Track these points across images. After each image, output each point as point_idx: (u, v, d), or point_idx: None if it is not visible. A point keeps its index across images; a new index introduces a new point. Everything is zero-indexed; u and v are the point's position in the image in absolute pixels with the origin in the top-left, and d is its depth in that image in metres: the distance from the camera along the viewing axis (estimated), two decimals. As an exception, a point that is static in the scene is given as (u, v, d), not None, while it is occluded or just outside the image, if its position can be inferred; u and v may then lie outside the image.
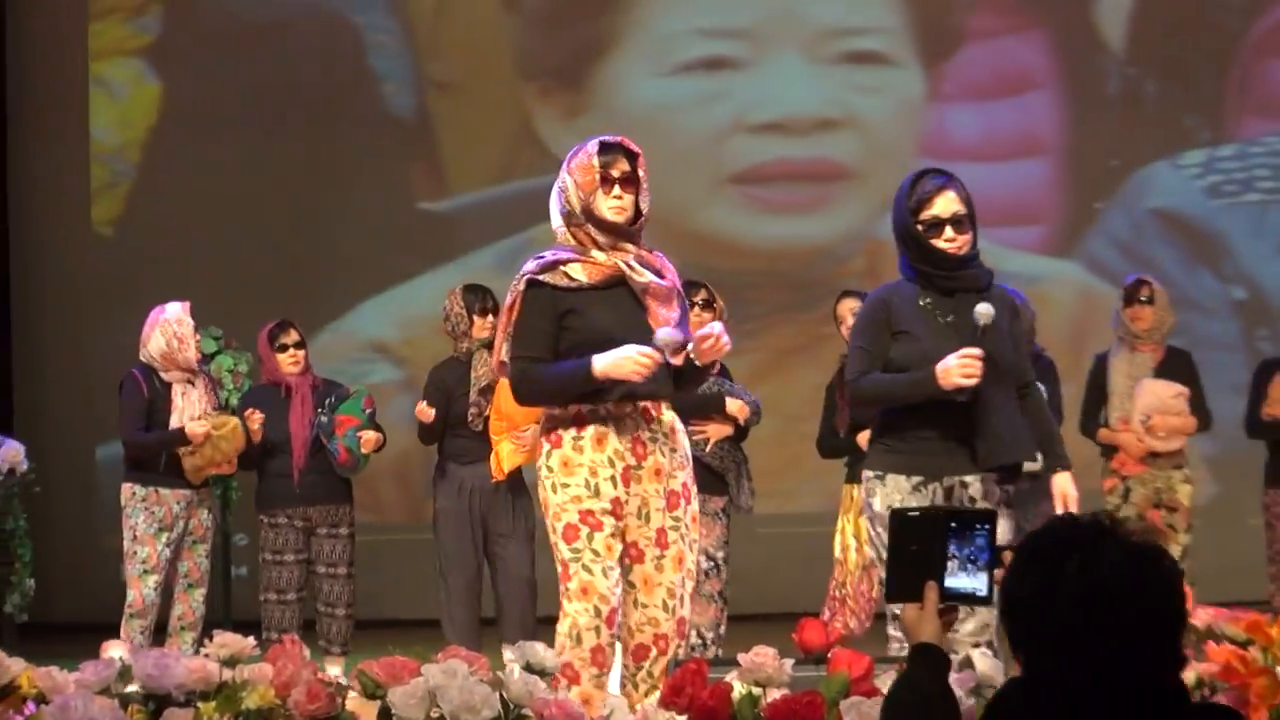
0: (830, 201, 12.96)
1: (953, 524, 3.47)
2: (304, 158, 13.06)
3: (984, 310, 5.77)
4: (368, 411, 8.90)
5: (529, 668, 5.26)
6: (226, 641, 5.41)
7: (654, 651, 5.75)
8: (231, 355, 11.37)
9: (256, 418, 8.79)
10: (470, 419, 8.57)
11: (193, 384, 8.71)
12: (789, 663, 5.39)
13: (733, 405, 8.46)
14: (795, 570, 10.75)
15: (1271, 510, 9.63)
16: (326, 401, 8.92)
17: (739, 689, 5.25)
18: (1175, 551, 9.35)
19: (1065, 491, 6.05)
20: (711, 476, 8.44)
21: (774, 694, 5.21)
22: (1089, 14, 13.28)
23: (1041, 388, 8.78)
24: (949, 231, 5.86)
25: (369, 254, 12.95)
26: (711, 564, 8.49)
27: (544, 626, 5.98)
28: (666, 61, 13.22)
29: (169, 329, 8.65)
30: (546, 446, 5.78)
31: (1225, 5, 13.44)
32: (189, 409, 8.61)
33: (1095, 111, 13.23)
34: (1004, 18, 13.28)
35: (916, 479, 5.92)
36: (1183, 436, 9.37)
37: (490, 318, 8.62)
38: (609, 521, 5.68)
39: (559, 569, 5.77)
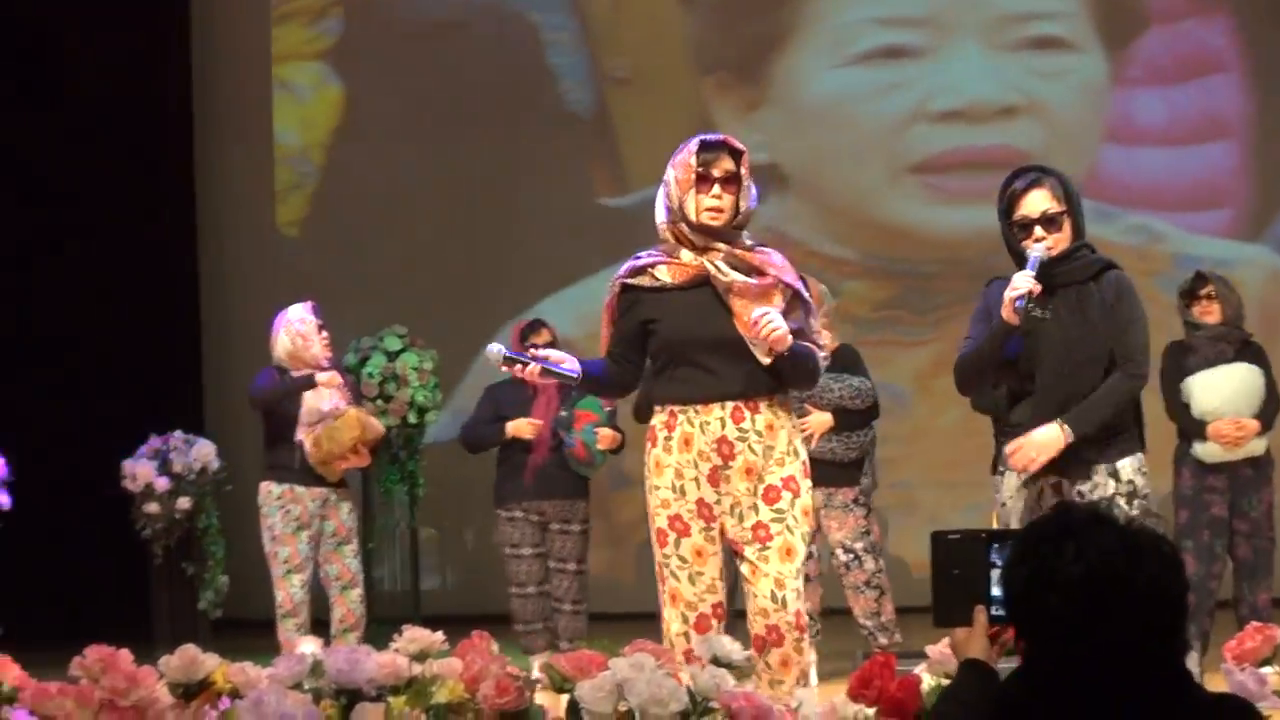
0: (1013, 189, 12.84)
1: (994, 544, 3.41)
2: (483, 156, 13.15)
3: (1036, 249, 5.73)
4: (607, 409, 8.94)
5: (716, 661, 5.27)
6: (416, 636, 5.46)
7: (768, 643, 5.70)
8: (417, 353, 11.45)
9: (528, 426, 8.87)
10: None
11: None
12: (977, 654, 5.35)
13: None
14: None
15: None
16: (570, 397, 8.97)
17: (928, 681, 5.23)
18: None
19: (1037, 440, 5.72)
20: (836, 469, 8.44)
21: (963, 685, 5.18)
22: (1274, -7, 13.10)
23: (1254, 368, 8.74)
24: (1039, 230, 5.77)
25: (549, 250, 13.01)
26: (851, 555, 8.51)
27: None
28: (844, 52, 13.16)
29: (292, 329, 8.75)
30: (648, 446, 5.83)
31: None
32: (319, 404, 8.69)
33: (1283, 93, 13.03)
34: (1187, 0, 13.11)
35: (1024, 474, 5.88)
36: None
37: None
38: (697, 525, 5.72)
39: (656, 570, 5.83)
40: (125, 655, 5.37)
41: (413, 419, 11.44)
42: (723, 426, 5.68)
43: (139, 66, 12.86)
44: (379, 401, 11.09)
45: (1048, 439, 5.70)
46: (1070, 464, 5.78)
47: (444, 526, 12.86)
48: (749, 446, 5.69)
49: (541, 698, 5.24)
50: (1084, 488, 5.78)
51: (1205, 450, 8.71)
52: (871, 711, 5.05)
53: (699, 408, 5.69)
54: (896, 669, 5.26)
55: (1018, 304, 5.63)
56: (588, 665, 5.16)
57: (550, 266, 13.03)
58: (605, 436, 8.90)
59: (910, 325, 11.84)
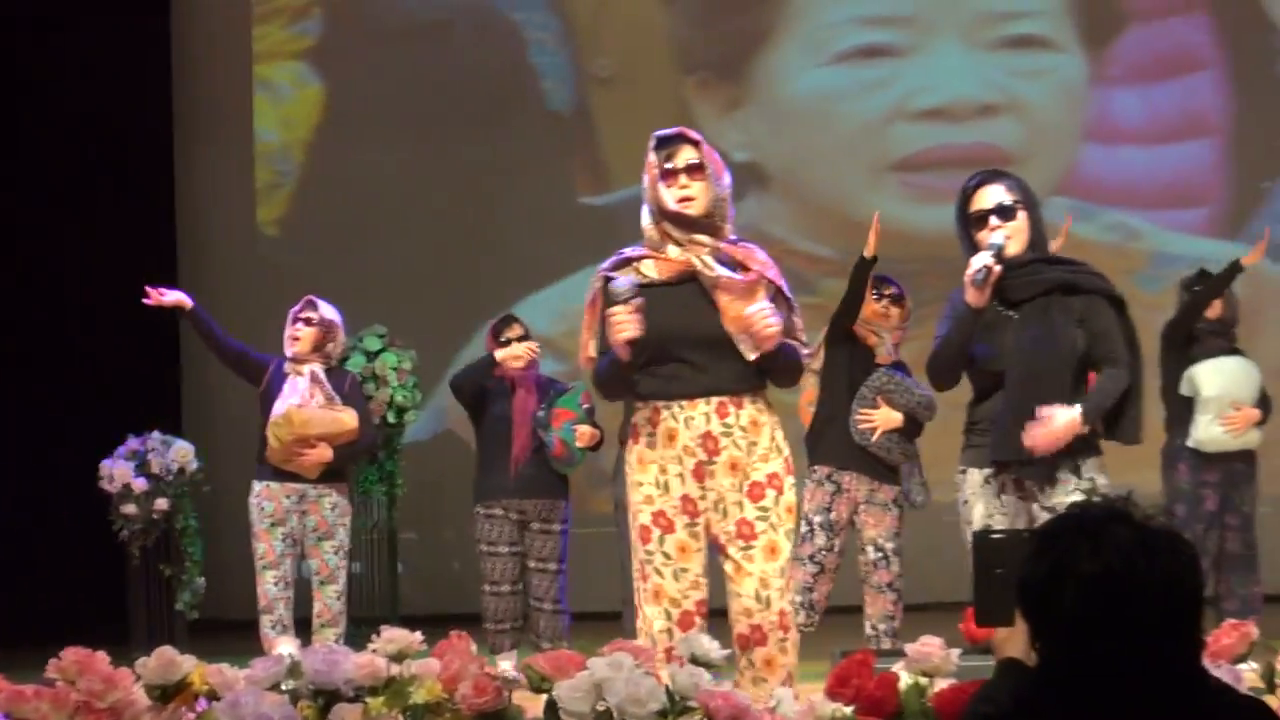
0: (993, 188, 12.94)
1: None
2: (464, 155, 13.20)
3: (992, 241, 5.86)
4: (585, 407, 8.93)
5: (695, 660, 5.26)
6: (394, 637, 5.45)
7: (751, 642, 5.71)
8: (396, 352, 11.46)
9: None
10: None
11: (301, 375, 8.81)
12: (956, 652, 5.38)
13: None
14: (964, 559, 10.69)
15: None
16: (548, 395, 8.99)
17: (905, 679, 5.24)
18: None
19: (1061, 424, 5.85)
20: (883, 466, 8.40)
21: (941, 683, 5.20)
22: (1254, -8, 13.21)
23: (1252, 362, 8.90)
24: (994, 220, 5.93)
25: (530, 249, 13.05)
26: (880, 555, 8.39)
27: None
28: (825, 51, 13.28)
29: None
30: (629, 442, 5.81)
31: (1395, -21, 13.30)
32: (292, 396, 8.70)
33: (1261, 90, 13.14)
34: (1166, -2, 13.24)
35: (987, 470, 6.01)
36: None
37: None
38: (681, 521, 5.70)
39: (635, 567, 5.80)
40: (102, 657, 5.36)
41: (391, 419, 11.45)
42: (707, 422, 5.65)
43: (119, 66, 12.87)
44: (358, 401, 11.08)
45: (1068, 424, 5.83)
46: (1035, 461, 5.89)
47: (422, 526, 12.86)
48: (734, 442, 5.67)
49: (519, 698, 5.24)
50: (1047, 485, 5.92)
51: (1205, 438, 8.87)
52: (850, 710, 5.04)
53: (683, 403, 5.66)
54: (874, 666, 5.26)
55: (976, 278, 5.75)
56: (566, 665, 5.15)
57: (531, 265, 13.06)
58: (584, 434, 8.89)
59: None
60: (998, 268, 5.77)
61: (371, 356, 11.42)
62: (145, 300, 8.74)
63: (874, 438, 8.32)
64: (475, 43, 13.36)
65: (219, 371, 11.72)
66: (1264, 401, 9.01)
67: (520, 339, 9.07)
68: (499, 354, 9.00)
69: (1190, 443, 8.92)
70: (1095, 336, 5.95)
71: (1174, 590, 2.81)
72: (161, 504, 10.92)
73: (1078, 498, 5.79)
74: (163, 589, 11.13)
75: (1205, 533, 8.79)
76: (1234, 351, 9.08)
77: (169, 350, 13.27)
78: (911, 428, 8.46)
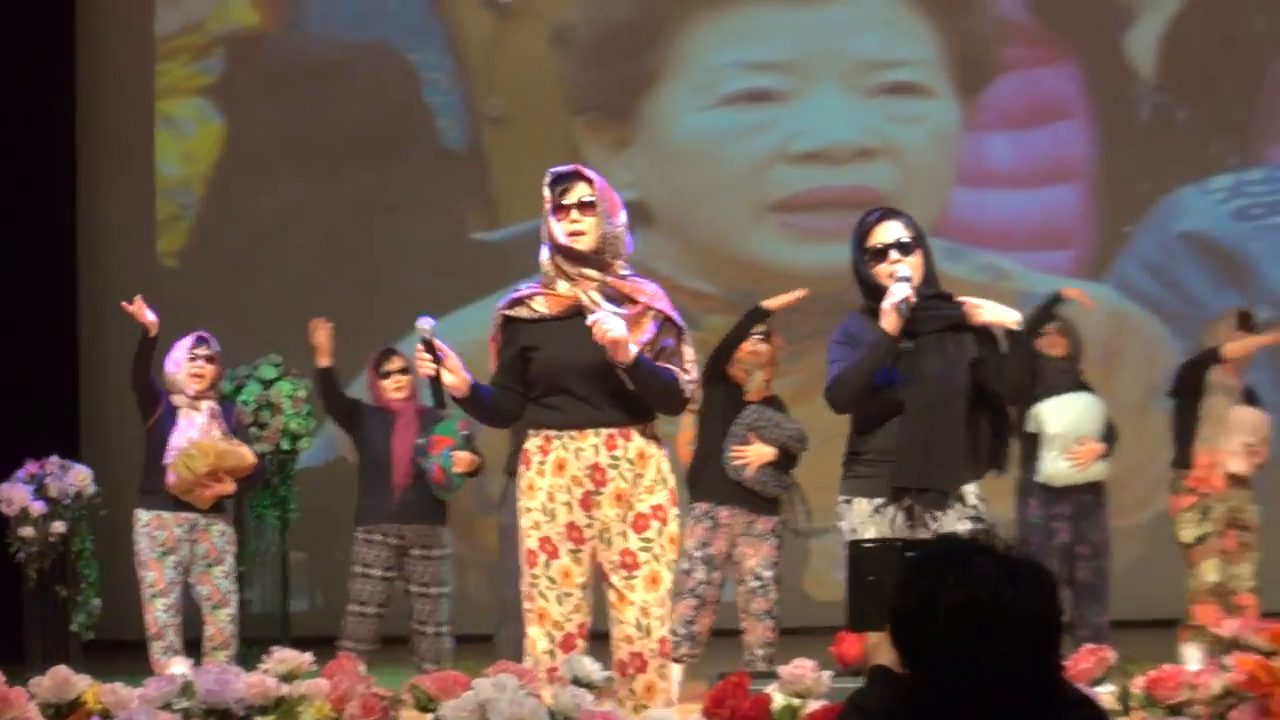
0: (869, 228, 13.19)
1: (908, 552, 3.54)
2: (360, 191, 13.32)
3: (901, 274, 5.99)
4: (463, 433, 9.04)
5: (577, 681, 5.50)
6: (284, 657, 5.64)
7: (631, 669, 5.83)
8: (291, 381, 11.60)
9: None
10: None
11: (199, 410, 8.97)
12: (827, 674, 5.64)
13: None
14: (836, 584, 10.95)
15: None
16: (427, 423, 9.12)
17: (779, 700, 5.48)
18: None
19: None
20: (761, 500, 8.60)
21: (813, 705, 5.45)
22: (1119, 43, 13.52)
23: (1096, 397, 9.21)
24: (893, 255, 6.06)
25: (423, 282, 13.15)
26: (759, 583, 8.57)
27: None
28: (711, 94, 13.50)
29: (169, 359, 8.99)
30: (521, 469, 5.98)
31: (1253, 33, 13.68)
32: (186, 433, 8.84)
33: (1125, 138, 13.50)
34: (1036, 49, 13.52)
35: (878, 500, 6.06)
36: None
37: None
38: (565, 547, 5.86)
39: (524, 590, 5.96)
40: (-5, 676, 5.48)
41: (285, 445, 11.56)
42: (596, 453, 5.81)
43: (23, 97, 12.92)
44: (253, 429, 11.18)
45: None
46: (931, 489, 6.01)
47: (314, 550, 12.97)
48: (620, 474, 5.82)
49: (407, 718, 5.42)
50: (939, 511, 6.01)
51: (1053, 473, 9.13)
52: (726, 729, 5.25)
53: (574, 433, 5.82)
54: (749, 688, 5.51)
55: (900, 306, 5.89)
56: (452, 685, 5.34)
57: (424, 298, 13.10)
58: (462, 460, 9.01)
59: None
60: (915, 296, 5.90)
61: (267, 385, 11.54)
62: (125, 304, 8.88)
63: (747, 473, 8.56)
64: (372, 82, 13.48)
65: (117, 395, 11.82)
66: (1109, 434, 9.34)
67: (401, 371, 9.28)
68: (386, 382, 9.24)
69: (1039, 478, 9.18)
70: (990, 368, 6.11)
71: (1036, 618, 2.93)
72: (59, 527, 10.88)
73: (965, 525, 5.95)
74: (58, 610, 11.09)
75: (1060, 564, 9.10)
76: (1080, 387, 9.41)
77: (67, 374, 13.33)
78: (785, 460, 8.67)
